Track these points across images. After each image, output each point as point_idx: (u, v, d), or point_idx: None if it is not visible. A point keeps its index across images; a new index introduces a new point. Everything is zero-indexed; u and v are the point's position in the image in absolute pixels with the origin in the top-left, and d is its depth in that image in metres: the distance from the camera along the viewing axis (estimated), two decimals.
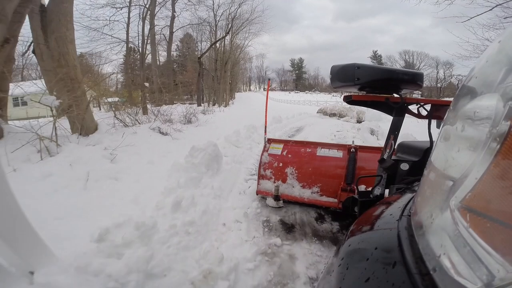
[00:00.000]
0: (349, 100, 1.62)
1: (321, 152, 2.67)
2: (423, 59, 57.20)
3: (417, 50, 61.14)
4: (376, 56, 72.91)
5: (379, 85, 1.52)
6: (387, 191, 1.57)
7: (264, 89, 78.39)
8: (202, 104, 19.49)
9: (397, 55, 63.79)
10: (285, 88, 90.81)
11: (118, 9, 12.92)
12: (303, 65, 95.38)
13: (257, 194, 2.74)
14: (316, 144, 2.78)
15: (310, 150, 2.72)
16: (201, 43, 26.58)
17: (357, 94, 1.67)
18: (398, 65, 59.85)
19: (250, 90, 78.76)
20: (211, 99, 25.93)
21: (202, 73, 18.90)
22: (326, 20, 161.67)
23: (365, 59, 71.73)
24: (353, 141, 2.73)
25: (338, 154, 2.60)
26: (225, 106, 22.28)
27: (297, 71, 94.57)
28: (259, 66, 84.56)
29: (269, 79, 3.94)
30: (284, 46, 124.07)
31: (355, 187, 1.87)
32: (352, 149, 2.53)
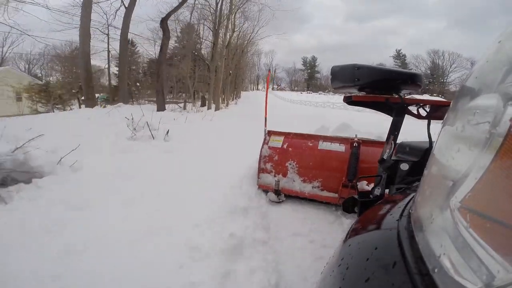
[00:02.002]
0: (349, 100, 1.62)
1: (323, 145, 2.63)
2: (455, 59, 54.39)
3: (448, 49, 57.32)
4: (400, 56, 68.49)
5: (379, 86, 1.52)
6: (387, 191, 1.58)
7: (273, 88, 76.50)
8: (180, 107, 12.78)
9: (424, 54, 60.45)
10: (295, 88, 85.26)
11: None
12: (316, 64, 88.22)
13: (258, 188, 2.73)
14: (318, 137, 2.73)
15: (311, 143, 2.68)
16: (203, 30, 19.30)
17: (357, 94, 1.67)
18: (425, 65, 56.46)
19: (258, 89, 75.06)
20: (199, 96, 19.52)
21: (166, 48, 11.82)
22: (337, 20, 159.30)
23: (386, 60, 68.58)
24: (356, 135, 2.68)
25: (340, 148, 2.55)
26: (216, 110, 15.37)
27: (309, 70, 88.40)
28: (268, 64, 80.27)
29: (269, 70, 3.90)
30: (294, 45, 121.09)
31: (356, 183, 1.87)
32: (355, 143, 2.47)
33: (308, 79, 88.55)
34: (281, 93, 56.82)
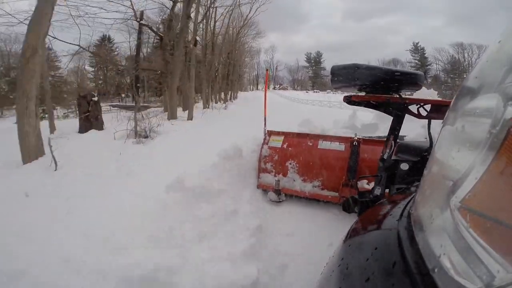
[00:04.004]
0: (348, 100, 1.62)
1: (323, 145, 2.64)
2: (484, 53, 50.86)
3: (476, 42, 48.74)
4: (417, 49, 58.34)
5: (379, 86, 1.52)
6: (387, 190, 1.58)
7: (274, 88, 75.00)
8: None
9: (449, 47, 52.20)
10: (298, 87, 78.91)
11: None
12: (321, 60, 78.75)
13: (257, 188, 2.73)
14: (318, 137, 2.74)
15: (311, 143, 2.70)
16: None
17: (357, 94, 1.67)
18: (448, 59, 51.29)
19: (257, 89, 71.89)
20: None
21: None
22: (335, 19, 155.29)
23: (401, 53, 62.37)
24: (355, 134, 2.69)
25: (340, 147, 2.56)
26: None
27: (314, 67, 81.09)
28: (268, 61, 76.26)
29: (267, 69, 3.89)
30: (293, 46, 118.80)
31: (356, 183, 1.87)
32: (355, 142, 2.46)
33: (313, 76, 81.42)
34: (286, 93, 51.06)
